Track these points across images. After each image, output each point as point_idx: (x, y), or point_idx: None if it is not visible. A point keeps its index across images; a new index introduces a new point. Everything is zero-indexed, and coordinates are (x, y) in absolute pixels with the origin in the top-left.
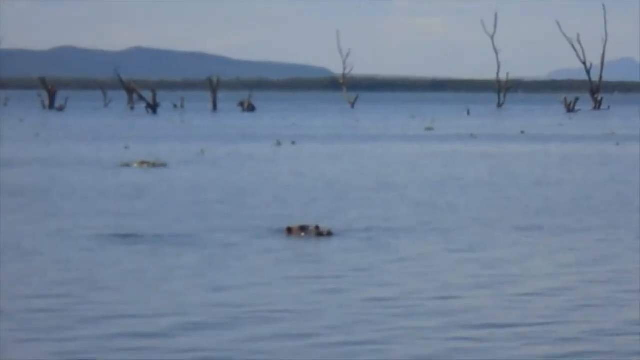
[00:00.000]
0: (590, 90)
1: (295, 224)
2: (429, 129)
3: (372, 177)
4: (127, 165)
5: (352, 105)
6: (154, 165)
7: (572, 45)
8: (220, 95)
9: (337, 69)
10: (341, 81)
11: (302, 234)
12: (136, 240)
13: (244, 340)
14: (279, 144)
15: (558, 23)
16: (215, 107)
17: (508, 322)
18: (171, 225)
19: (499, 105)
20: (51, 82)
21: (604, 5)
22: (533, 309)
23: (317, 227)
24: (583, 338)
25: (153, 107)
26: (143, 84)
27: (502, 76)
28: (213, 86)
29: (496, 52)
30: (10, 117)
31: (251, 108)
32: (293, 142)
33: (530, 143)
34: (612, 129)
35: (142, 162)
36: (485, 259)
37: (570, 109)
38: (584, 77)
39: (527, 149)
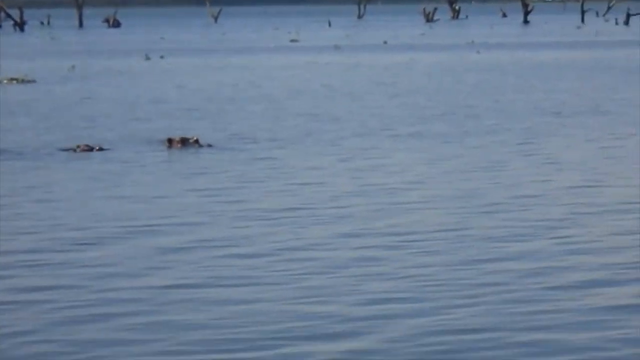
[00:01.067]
0: (448, 1)
1: (174, 136)
2: (294, 40)
3: (245, 90)
4: None
5: (216, 19)
6: (22, 81)
7: None
8: (86, 12)
9: None
10: None
11: (180, 145)
12: (12, 157)
13: (146, 253)
14: (148, 58)
15: None
16: (81, 24)
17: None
18: (49, 141)
19: (359, 16)
20: None
21: None
22: (419, 217)
23: (196, 140)
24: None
25: (20, 25)
26: (11, 3)
27: None
28: (78, 3)
29: None
30: None
31: (116, 24)
32: (162, 57)
33: (394, 53)
34: (472, 38)
35: (11, 79)
36: (370, 167)
37: (429, 19)
38: None
39: (392, 59)
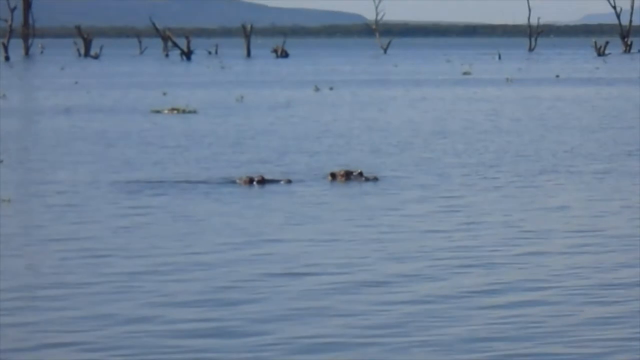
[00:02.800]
0: (621, 34)
1: (340, 169)
2: (467, 73)
3: (420, 123)
4: (157, 111)
5: (385, 50)
6: (184, 112)
7: None
8: (255, 42)
9: (370, 15)
10: (374, 27)
11: (344, 179)
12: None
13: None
14: (317, 89)
15: None
16: (249, 53)
17: None
18: (223, 169)
19: (530, 49)
20: (87, 30)
21: None
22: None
23: (360, 173)
24: None
25: (187, 54)
26: (178, 32)
27: (533, 21)
28: (246, 33)
29: None
30: (49, 65)
31: (284, 54)
32: (331, 88)
33: (567, 87)
34: None
35: (172, 109)
36: (564, 204)
37: (600, 52)
38: (615, 21)
39: (567, 93)
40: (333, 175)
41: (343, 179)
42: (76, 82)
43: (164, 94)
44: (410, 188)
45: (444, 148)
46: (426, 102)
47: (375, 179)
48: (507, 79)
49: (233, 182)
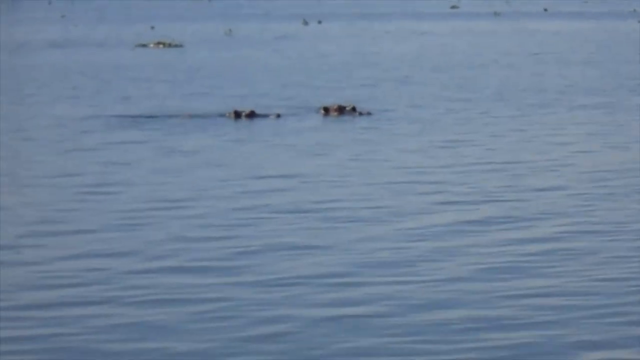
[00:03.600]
0: None
1: (333, 104)
2: (454, 7)
3: (412, 58)
4: (143, 45)
5: None
6: (170, 45)
7: None
8: None
9: None
10: None
11: (337, 113)
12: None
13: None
14: (306, 23)
15: None
16: None
17: None
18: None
19: None
20: None
21: None
22: None
23: (353, 108)
24: None
25: None
26: None
27: None
28: None
29: None
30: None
31: None
32: (319, 22)
33: (558, 20)
34: (634, 7)
35: (158, 43)
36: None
37: None
38: None
39: (559, 27)
40: (326, 110)
41: (336, 113)
42: (63, 16)
43: (152, 27)
44: (406, 123)
45: (441, 83)
46: (417, 36)
47: (369, 114)
48: (495, 13)
49: (222, 115)
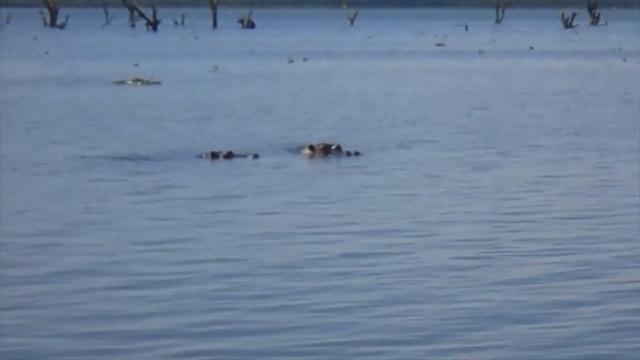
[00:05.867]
0: (588, 6)
1: (317, 142)
2: (440, 44)
3: (400, 95)
4: (121, 82)
5: (352, 21)
6: (147, 83)
7: None
8: (224, 12)
9: None
10: None
11: (322, 153)
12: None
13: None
14: (291, 60)
15: None
16: (215, 24)
17: None
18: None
19: (497, 20)
20: (52, 0)
21: None
22: None
23: (339, 147)
24: None
25: (153, 24)
26: (145, 2)
27: None
28: (213, 3)
29: None
30: (18, 35)
31: (251, 25)
32: (305, 59)
33: (543, 58)
34: (619, 45)
35: (136, 80)
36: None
37: (567, 24)
38: None
39: (546, 65)
40: (311, 148)
41: (321, 153)
42: (46, 52)
43: (136, 64)
44: (393, 164)
45: (434, 121)
46: (406, 74)
47: (357, 154)
48: (480, 51)
49: (200, 156)
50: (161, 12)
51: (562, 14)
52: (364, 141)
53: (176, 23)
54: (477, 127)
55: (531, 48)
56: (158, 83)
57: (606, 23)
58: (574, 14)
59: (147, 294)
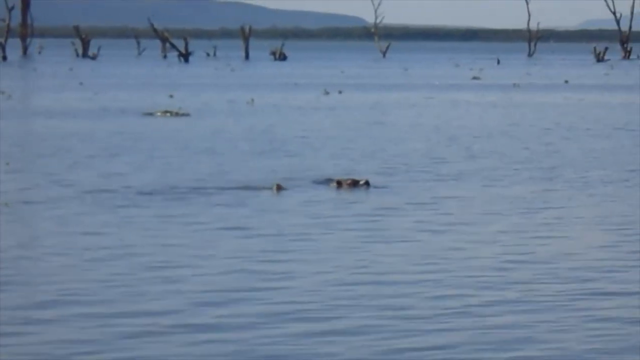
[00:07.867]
0: (620, 40)
1: (345, 178)
2: (476, 78)
3: (443, 130)
4: (150, 114)
5: (384, 54)
6: (176, 114)
7: None
8: (255, 44)
9: (370, 18)
10: (373, 30)
11: (349, 187)
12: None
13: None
14: (327, 92)
15: None
16: (247, 55)
17: None
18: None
19: (530, 54)
20: (85, 31)
21: None
22: None
23: (367, 182)
24: None
25: (185, 56)
26: (177, 33)
27: (533, 26)
28: (245, 34)
29: (527, 1)
30: (53, 66)
31: (283, 57)
32: (340, 92)
33: (582, 92)
34: None
35: (165, 112)
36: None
37: (599, 58)
38: (614, 27)
39: (590, 99)
40: (339, 183)
41: (349, 187)
42: (81, 83)
43: (171, 96)
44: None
45: (460, 156)
46: (446, 107)
47: (384, 187)
48: (514, 84)
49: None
50: (192, 44)
51: (595, 48)
52: (405, 179)
53: (208, 55)
54: (540, 161)
55: (566, 82)
56: (187, 115)
57: (638, 57)
58: (606, 48)
59: None
